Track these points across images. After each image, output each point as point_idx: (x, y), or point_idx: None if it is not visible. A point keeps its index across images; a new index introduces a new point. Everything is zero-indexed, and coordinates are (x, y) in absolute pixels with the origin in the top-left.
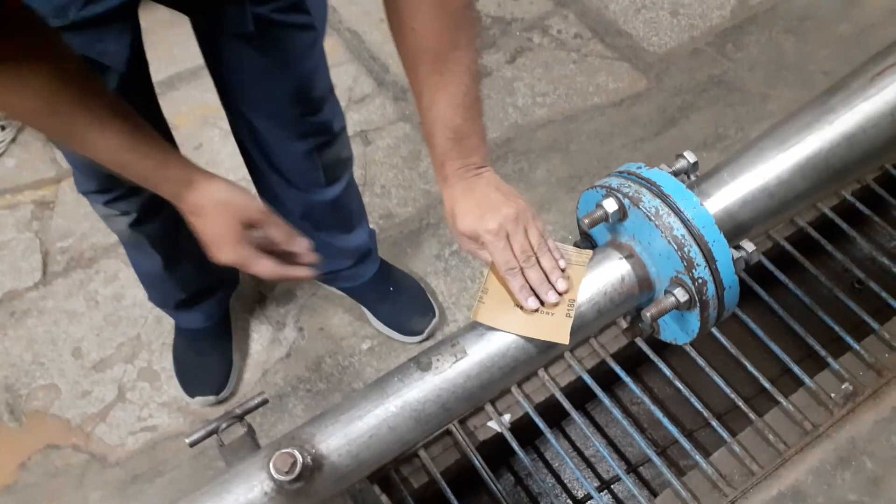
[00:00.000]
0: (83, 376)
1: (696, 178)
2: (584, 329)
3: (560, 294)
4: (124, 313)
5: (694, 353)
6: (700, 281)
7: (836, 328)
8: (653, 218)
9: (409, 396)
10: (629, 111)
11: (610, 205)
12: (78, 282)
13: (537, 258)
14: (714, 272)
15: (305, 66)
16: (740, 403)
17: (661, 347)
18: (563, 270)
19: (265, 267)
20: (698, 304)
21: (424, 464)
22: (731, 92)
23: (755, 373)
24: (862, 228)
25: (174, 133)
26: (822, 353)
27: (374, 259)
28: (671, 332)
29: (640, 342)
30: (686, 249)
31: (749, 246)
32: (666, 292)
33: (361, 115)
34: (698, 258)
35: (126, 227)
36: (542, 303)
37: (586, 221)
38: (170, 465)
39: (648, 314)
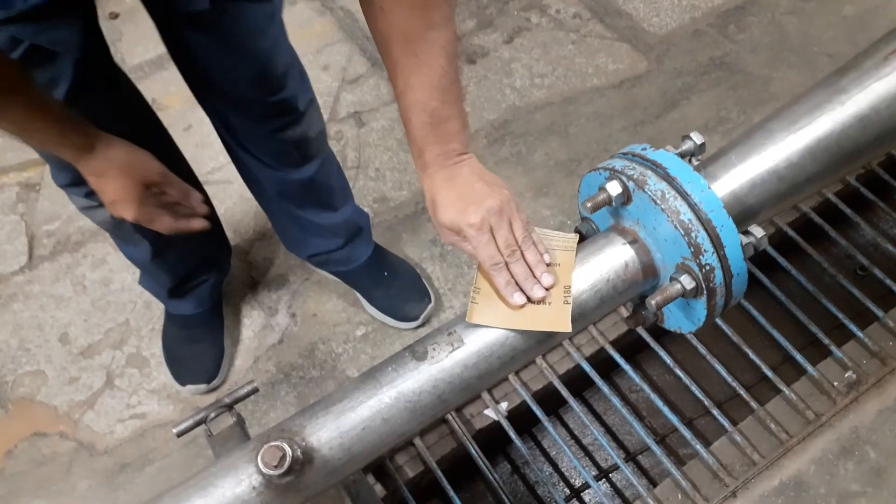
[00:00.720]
0: (70, 362)
1: (701, 160)
2: (586, 317)
3: (546, 289)
4: (112, 298)
5: (695, 341)
6: (707, 268)
7: (840, 315)
8: (658, 201)
9: (403, 387)
10: (629, 93)
11: (613, 188)
12: (65, 266)
13: (521, 252)
14: (722, 258)
15: (265, 44)
16: (741, 392)
17: (661, 334)
18: (548, 265)
19: (165, 223)
20: (705, 292)
21: (420, 452)
22: (733, 74)
23: (756, 360)
24: (866, 214)
25: (163, 114)
26: (826, 340)
27: (367, 241)
28: (676, 320)
29: (639, 329)
30: (693, 235)
31: (758, 231)
32: (671, 279)
33: (355, 96)
34: (706, 244)
35: (108, 216)
36: (528, 298)
37: (588, 205)
38: (159, 453)
39: (653, 302)
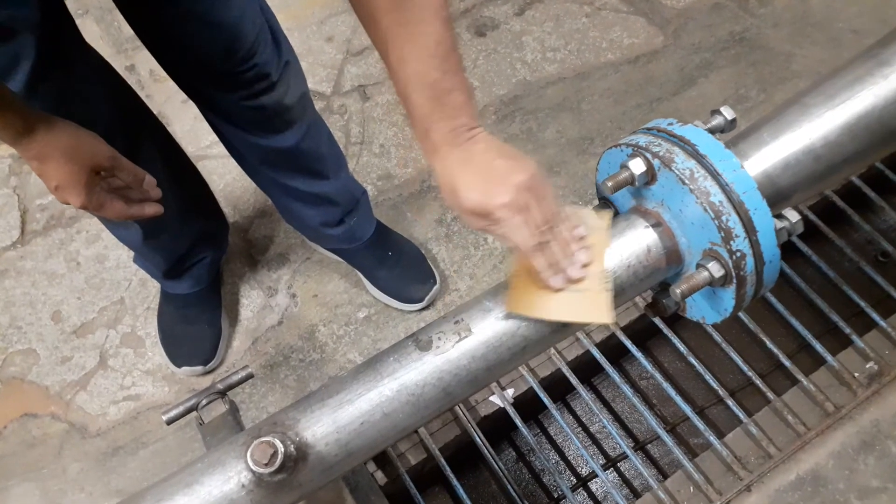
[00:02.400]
0: (63, 341)
1: (722, 136)
2: None
3: (584, 266)
4: (107, 275)
5: (709, 328)
6: (738, 254)
7: (861, 303)
8: (687, 181)
9: (406, 379)
10: (645, 69)
11: (637, 165)
12: (58, 241)
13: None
14: (754, 244)
15: (231, 16)
16: (757, 381)
17: (673, 320)
18: (580, 239)
19: (115, 209)
20: (734, 281)
21: (423, 439)
22: (754, 50)
23: (774, 349)
24: (889, 198)
25: (161, 86)
26: (846, 329)
27: (368, 218)
28: (700, 310)
29: (646, 311)
30: (724, 218)
31: (793, 215)
32: (698, 266)
33: (360, 69)
34: (737, 228)
35: None
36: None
37: (609, 184)
38: (153, 436)
39: (678, 291)
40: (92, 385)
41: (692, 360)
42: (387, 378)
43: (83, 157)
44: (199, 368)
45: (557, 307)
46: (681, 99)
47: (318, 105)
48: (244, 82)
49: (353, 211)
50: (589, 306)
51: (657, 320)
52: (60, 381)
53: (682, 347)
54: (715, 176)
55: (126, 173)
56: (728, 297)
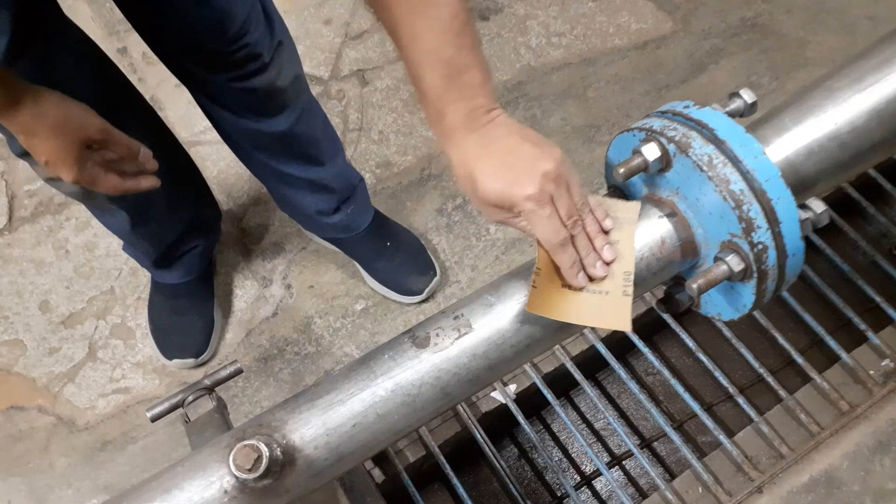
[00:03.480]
0: (51, 332)
1: (741, 121)
2: None
3: (607, 264)
4: (97, 264)
5: (719, 323)
6: (759, 247)
7: (877, 298)
8: (705, 168)
9: (401, 378)
10: (653, 55)
11: (651, 151)
12: (47, 229)
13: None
14: (777, 236)
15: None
16: (769, 378)
17: (681, 314)
18: (607, 233)
19: (109, 183)
20: (755, 275)
21: (421, 436)
22: (766, 36)
23: (785, 344)
24: None
25: (154, 69)
26: (861, 325)
27: (365, 207)
28: (715, 306)
29: (657, 307)
30: (745, 208)
31: (817, 205)
32: (716, 259)
33: (359, 53)
34: (759, 219)
35: (77, 187)
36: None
37: (621, 171)
38: (143, 430)
39: (695, 286)
40: (80, 377)
41: (700, 355)
42: (381, 377)
43: (73, 129)
44: (191, 361)
45: (577, 309)
46: (690, 86)
47: (316, 90)
48: (235, 63)
49: (349, 199)
50: (609, 310)
51: (664, 314)
52: (48, 373)
53: (690, 342)
54: (735, 162)
55: (119, 146)
56: (747, 292)
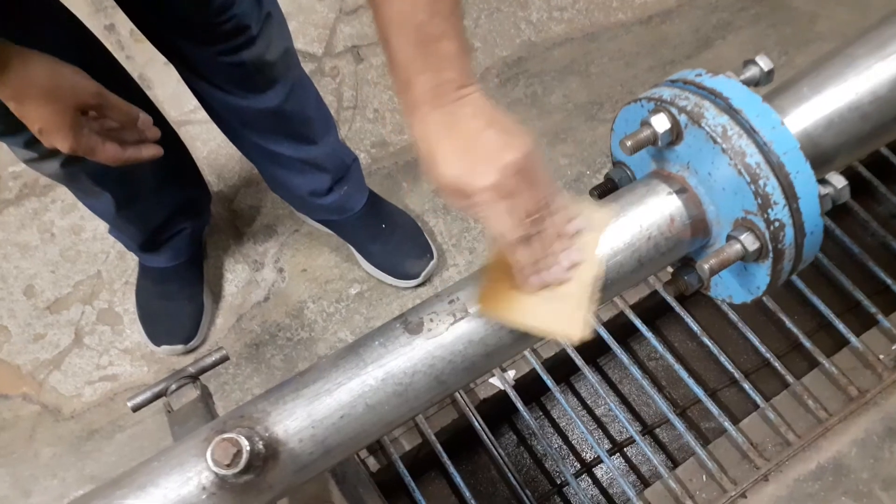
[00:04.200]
0: (36, 318)
1: (756, 90)
2: (620, 283)
3: (568, 269)
4: (83, 248)
5: (724, 306)
6: (776, 224)
7: (888, 280)
8: (719, 140)
9: (393, 366)
10: (658, 30)
11: (660, 122)
12: (32, 211)
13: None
14: (795, 213)
15: None
16: (775, 363)
17: (684, 297)
18: (573, 236)
19: (108, 152)
20: (771, 255)
21: (417, 424)
22: (775, 10)
23: (792, 327)
24: None
25: (143, 46)
26: (871, 308)
27: (359, 188)
28: (727, 287)
29: (662, 290)
30: (761, 183)
31: (838, 180)
32: (729, 238)
33: (354, 29)
34: (776, 194)
35: (58, 168)
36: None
37: (628, 144)
38: (131, 419)
39: (706, 266)
40: (66, 364)
41: (705, 339)
42: (371, 365)
43: (65, 94)
44: (180, 347)
45: (526, 312)
46: (696, 62)
47: (309, 67)
48: (221, 35)
49: (343, 179)
50: (563, 317)
51: (668, 297)
52: (33, 359)
53: (694, 326)
54: (751, 133)
55: (116, 112)
56: (762, 273)
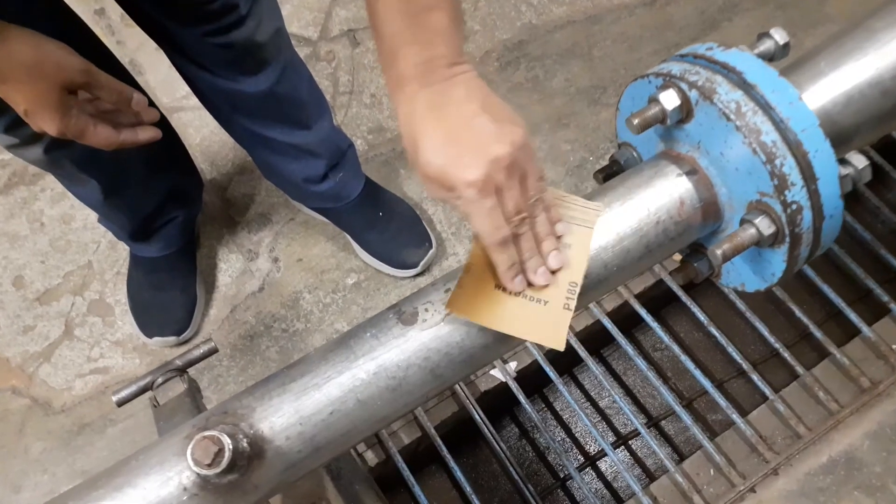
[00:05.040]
0: (25, 309)
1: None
2: (627, 270)
3: (553, 272)
4: (73, 237)
5: (732, 295)
6: (793, 207)
7: None
8: (732, 116)
9: (385, 359)
10: (662, 12)
11: (669, 99)
12: (21, 200)
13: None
14: (813, 195)
15: None
16: (784, 353)
17: (690, 286)
18: (558, 237)
19: (100, 135)
20: (787, 239)
21: (417, 417)
22: None
23: (801, 317)
24: None
25: (134, 31)
26: (884, 297)
27: (356, 174)
28: (739, 275)
29: (667, 279)
30: (777, 162)
31: (858, 160)
32: (743, 222)
33: (349, 12)
34: (793, 174)
35: (41, 154)
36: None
37: (635, 122)
38: (123, 413)
39: (719, 252)
40: (56, 357)
41: (712, 329)
42: (362, 358)
43: (50, 71)
44: (172, 339)
45: (507, 317)
46: None
47: (304, 52)
48: (209, 15)
49: (338, 165)
50: (544, 323)
51: (674, 286)
52: (22, 352)
53: (700, 316)
54: (767, 110)
55: (107, 91)
56: (777, 259)
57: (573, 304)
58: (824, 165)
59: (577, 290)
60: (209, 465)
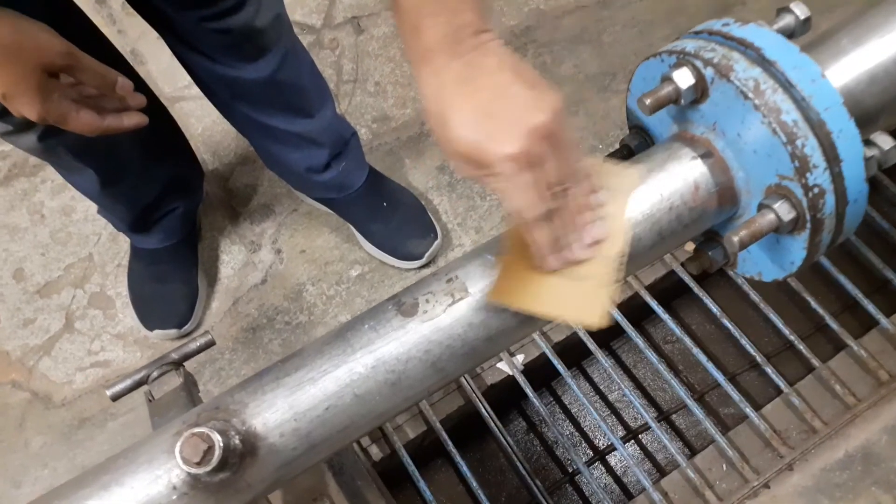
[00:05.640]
0: (25, 302)
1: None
2: (639, 259)
3: (591, 245)
4: (74, 229)
5: (745, 286)
6: (815, 191)
7: None
8: (750, 95)
9: (384, 352)
10: None
11: (683, 77)
12: (21, 192)
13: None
14: (837, 178)
15: None
16: (800, 346)
17: (702, 277)
18: (597, 207)
19: (83, 120)
20: (809, 225)
21: (422, 411)
22: None
23: (817, 308)
24: None
25: (135, 20)
26: None
27: (359, 164)
28: (756, 264)
29: (679, 269)
30: (799, 143)
31: (885, 141)
32: (761, 207)
33: None
34: (816, 156)
35: (36, 142)
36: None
37: (647, 102)
38: (123, 406)
39: (736, 239)
40: (57, 350)
41: (725, 321)
42: (360, 351)
43: (30, 52)
44: (174, 332)
45: (545, 298)
46: None
47: (307, 40)
48: None
49: (341, 154)
50: (584, 301)
51: (686, 277)
52: (22, 345)
53: (713, 307)
54: (787, 87)
55: (90, 74)
56: (797, 246)
57: (613, 277)
58: (849, 146)
59: (617, 263)
60: (198, 464)
